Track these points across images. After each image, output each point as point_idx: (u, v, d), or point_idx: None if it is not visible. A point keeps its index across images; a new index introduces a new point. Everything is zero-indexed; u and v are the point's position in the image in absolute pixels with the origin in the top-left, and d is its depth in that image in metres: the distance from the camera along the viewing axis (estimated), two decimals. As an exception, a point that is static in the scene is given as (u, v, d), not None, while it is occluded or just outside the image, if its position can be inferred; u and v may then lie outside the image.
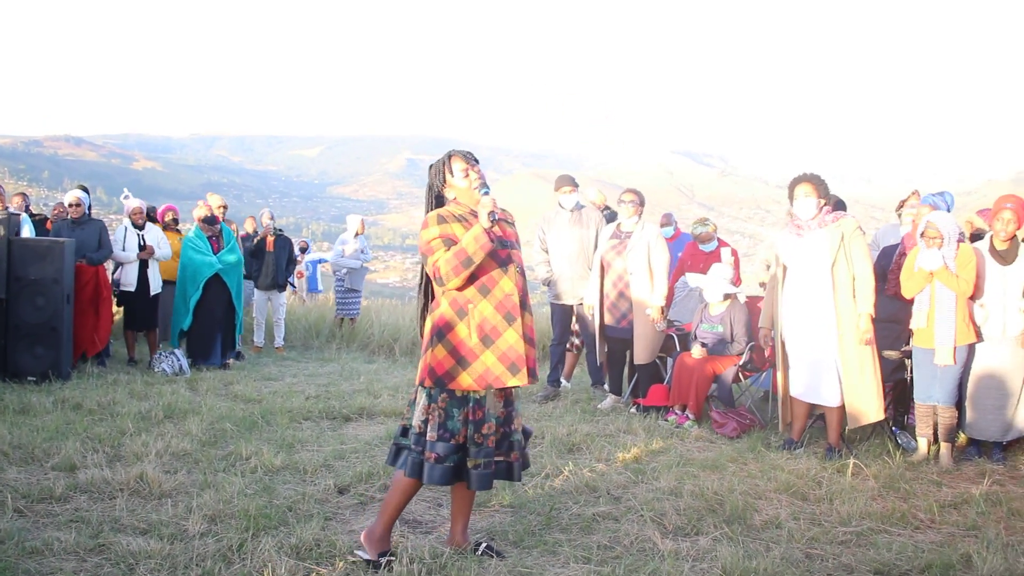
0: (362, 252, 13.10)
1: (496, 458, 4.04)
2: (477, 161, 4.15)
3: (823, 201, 6.28)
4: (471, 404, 3.97)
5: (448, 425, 3.95)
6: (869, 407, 6.14)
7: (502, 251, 4.03)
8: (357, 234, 13.16)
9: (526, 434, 4.27)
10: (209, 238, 9.96)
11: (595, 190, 10.17)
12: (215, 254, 9.88)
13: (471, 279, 3.96)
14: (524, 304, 4.06)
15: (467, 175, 4.08)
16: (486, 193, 3.98)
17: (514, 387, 4.04)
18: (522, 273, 4.11)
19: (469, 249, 3.89)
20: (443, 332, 3.98)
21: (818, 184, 6.29)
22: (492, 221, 3.89)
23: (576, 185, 8.66)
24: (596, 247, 8.27)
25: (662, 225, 10.24)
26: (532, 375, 4.04)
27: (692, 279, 8.30)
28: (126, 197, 10.44)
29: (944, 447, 6.12)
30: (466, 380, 3.93)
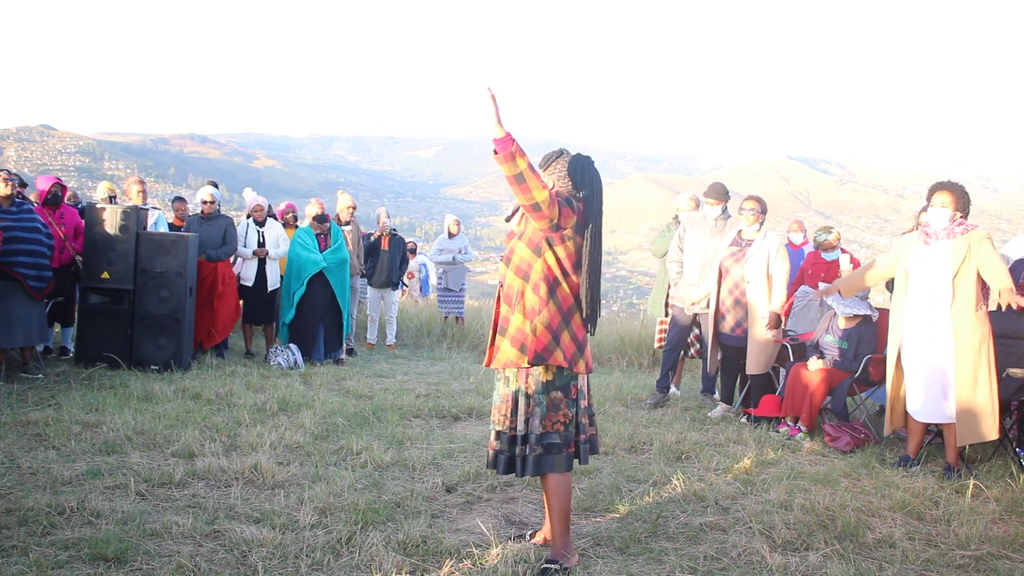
0: (460, 252, 13.24)
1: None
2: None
3: (959, 214, 6.05)
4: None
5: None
6: (982, 425, 5.87)
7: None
8: (451, 235, 13.35)
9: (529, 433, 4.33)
10: (317, 236, 10.19)
11: (685, 197, 9.46)
12: (321, 252, 10.10)
13: None
14: (499, 295, 4.28)
15: None
16: None
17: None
18: (510, 262, 4.20)
19: None
20: None
21: (959, 195, 6.05)
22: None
23: (721, 199, 8.29)
24: None
25: (790, 231, 10.09)
26: (490, 360, 4.31)
27: (834, 302, 8.03)
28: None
29: None
30: None
